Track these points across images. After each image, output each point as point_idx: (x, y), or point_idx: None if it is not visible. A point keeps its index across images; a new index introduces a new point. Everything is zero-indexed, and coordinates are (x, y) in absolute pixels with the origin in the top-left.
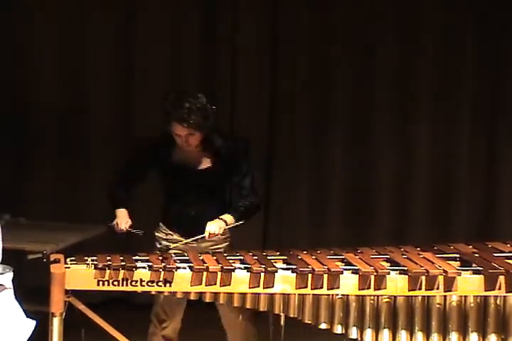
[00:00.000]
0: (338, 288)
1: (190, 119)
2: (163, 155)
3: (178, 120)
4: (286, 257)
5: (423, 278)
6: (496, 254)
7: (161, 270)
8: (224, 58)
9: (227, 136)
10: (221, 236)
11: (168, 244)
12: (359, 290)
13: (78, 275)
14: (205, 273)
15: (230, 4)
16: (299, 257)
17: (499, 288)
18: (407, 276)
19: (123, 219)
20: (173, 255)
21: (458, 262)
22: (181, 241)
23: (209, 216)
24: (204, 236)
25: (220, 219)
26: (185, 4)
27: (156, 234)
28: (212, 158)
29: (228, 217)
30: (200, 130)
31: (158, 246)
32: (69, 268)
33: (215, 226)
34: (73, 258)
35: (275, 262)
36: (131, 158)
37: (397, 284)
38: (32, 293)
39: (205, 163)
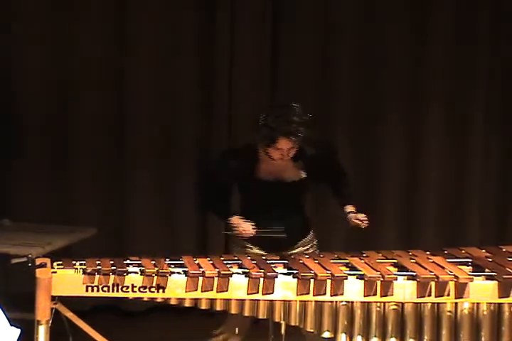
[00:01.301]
0: (342, 294)
1: (299, 132)
2: (248, 168)
3: (286, 134)
4: (287, 261)
5: (433, 284)
6: (510, 259)
7: (153, 275)
8: (222, 60)
9: (314, 142)
10: (308, 238)
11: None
12: (364, 296)
13: (65, 281)
14: (200, 279)
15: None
16: (301, 261)
17: None
18: (415, 282)
19: (243, 224)
20: (167, 259)
21: (470, 267)
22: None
23: (294, 229)
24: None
25: (349, 213)
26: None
27: (233, 245)
28: (303, 168)
29: (350, 207)
30: (303, 141)
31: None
32: (56, 272)
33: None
34: (60, 262)
35: (275, 267)
36: (213, 174)
37: (405, 290)
38: (16, 299)
39: (297, 175)
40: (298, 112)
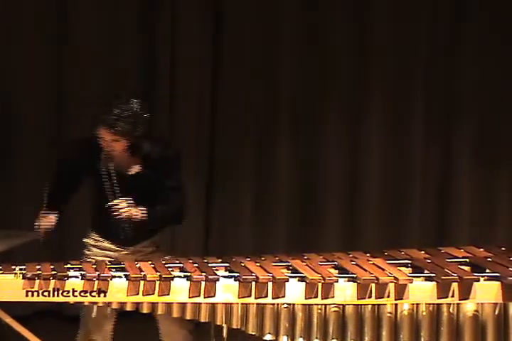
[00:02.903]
0: (284, 296)
1: (117, 126)
2: (91, 159)
3: (104, 125)
4: (228, 264)
5: (373, 285)
6: (449, 260)
7: (94, 279)
8: (163, 62)
9: (158, 140)
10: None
11: (97, 250)
12: (306, 299)
13: (5, 286)
14: (142, 282)
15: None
16: (242, 264)
17: (452, 296)
18: (356, 284)
19: (46, 220)
20: (108, 262)
21: (409, 268)
22: (110, 246)
23: (142, 222)
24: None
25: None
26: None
27: (85, 240)
28: (142, 162)
29: (144, 212)
30: (127, 138)
31: (87, 252)
32: None
33: (126, 204)
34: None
35: (217, 270)
36: (59, 167)
37: (345, 292)
38: None
39: (135, 168)
40: (126, 106)
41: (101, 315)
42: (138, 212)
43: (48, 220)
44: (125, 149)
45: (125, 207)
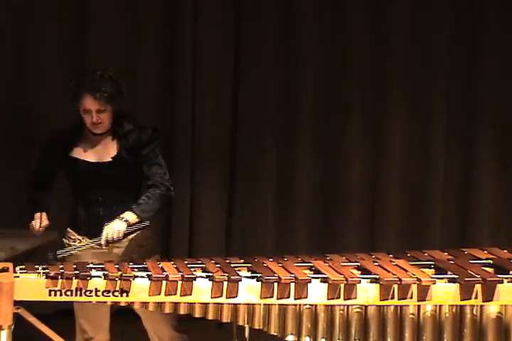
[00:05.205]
0: (306, 297)
1: (104, 87)
2: (66, 149)
3: (90, 90)
4: (250, 265)
5: (396, 286)
6: (472, 261)
7: (117, 279)
8: (185, 64)
9: (136, 122)
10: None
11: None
12: (328, 299)
13: (28, 285)
14: (164, 282)
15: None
16: (265, 265)
17: (476, 297)
18: (378, 285)
19: (39, 219)
20: (130, 263)
21: (432, 270)
22: (74, 247)
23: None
24: (100, 244)
25: (119, 218)
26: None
27: (64, 240)
28: (119, 146)
29: (129, 215)
30: (112, 103)
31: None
32: (18, 277)
33: (112, 231)
34: (23, 266)
35: (239, 270)
36: (39, 157)
37: (368, 293)
38: None
39: (113, 153)
40: (103, 72)
41: (96, 313)
42: (123, 227)
43: (43, 218)
44: (110, 122)
45: (115, 236)
